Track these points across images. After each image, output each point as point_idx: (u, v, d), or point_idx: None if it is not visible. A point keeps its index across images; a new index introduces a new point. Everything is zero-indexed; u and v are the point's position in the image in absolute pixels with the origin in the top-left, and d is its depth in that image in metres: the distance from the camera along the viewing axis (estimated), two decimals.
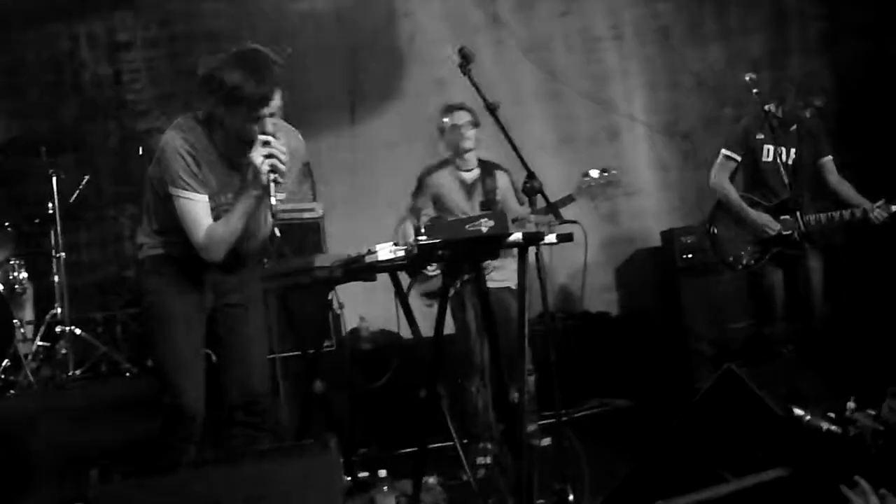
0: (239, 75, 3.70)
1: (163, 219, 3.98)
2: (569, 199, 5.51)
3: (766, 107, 6.09)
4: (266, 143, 3.76)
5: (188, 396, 3.88)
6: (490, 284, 5.85)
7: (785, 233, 6.03)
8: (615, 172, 5.51)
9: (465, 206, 6.03)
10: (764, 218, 6.09)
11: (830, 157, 6.27)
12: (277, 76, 3.79)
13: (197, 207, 3.84)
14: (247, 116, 3.76)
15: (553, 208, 4.47)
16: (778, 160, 6.08)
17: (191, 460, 3.81)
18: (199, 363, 3.98)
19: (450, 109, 6.12)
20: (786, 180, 6.03)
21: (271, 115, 3.81)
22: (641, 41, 8.76)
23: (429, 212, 6.12)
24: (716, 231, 6.24)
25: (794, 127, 6.17)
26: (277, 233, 3.93)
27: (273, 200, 3.76)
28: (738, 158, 6.22)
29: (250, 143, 3.78)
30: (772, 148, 6.11)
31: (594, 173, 5.47)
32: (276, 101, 3.81)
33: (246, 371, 4.06)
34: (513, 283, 5.82)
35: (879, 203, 5.93)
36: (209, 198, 3.89)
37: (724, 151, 6.27)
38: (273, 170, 3.74)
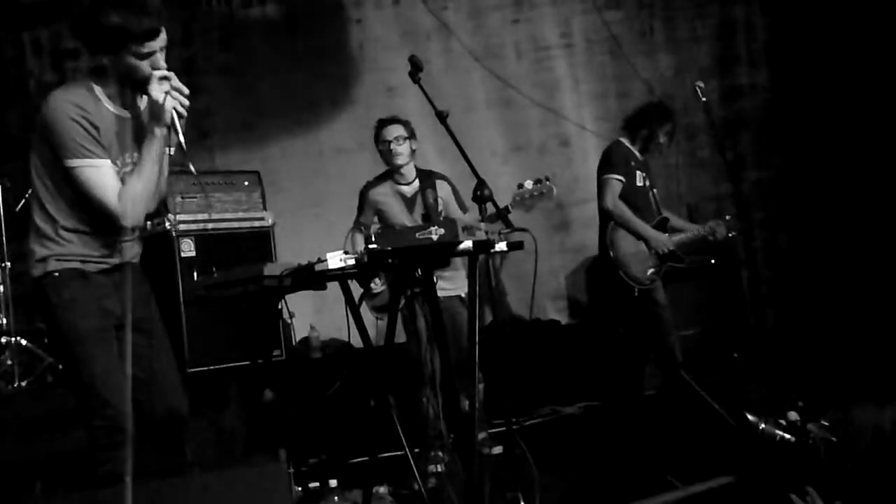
0: (117, 14, 3.46)
1: (69, 210, 3.70)
2: (505, 211, 5.54)
3: (626, 138, 6.55)
4: (164, 79, 3.56)
5: (120, 412, 3.62)
6: (439, 293, 5.86)
7: (671, 249, 6.38)
8: (548, 184, 5.51)
9: (405, 220, 5.98)
10: (662, 235, 6.41)
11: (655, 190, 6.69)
12: (159, 9, 3.55)
13: (102, 173, 3.60)
14: (135, 55, 3.54)
15: (503, 217, 4.48)
16: (646, 185, 6.51)
17: (131, 472, 3.69)
18: (121, 377, 3.66)
19: (382, 124, 6.07)
20: (652, 204, 6.52)
21: (162, 48, 3.59)
22: (591, 50, 8.83)
23: (374, 226, 6.10)
24: (616, 252, 6.38)
25: (645, 156, 6.56)
26: (192, 168, 3.62)
27: (181, 138, 3.57)
28: (623, 181, 6.44)
29: (143, 85, 3.58)
30: (639, 174, 6.49)
31: (528, 184, 5.46)
32: (163, 39, 3.58)
33: (159, 390, 3.85)
34: (463, 291, 5.82)
35: (715, 222, 6.50)
36: (111, 162, 3.66)
37: (610, 176, 6.47)
38: (176, 106, 3.56)
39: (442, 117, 5.00)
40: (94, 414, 3.67)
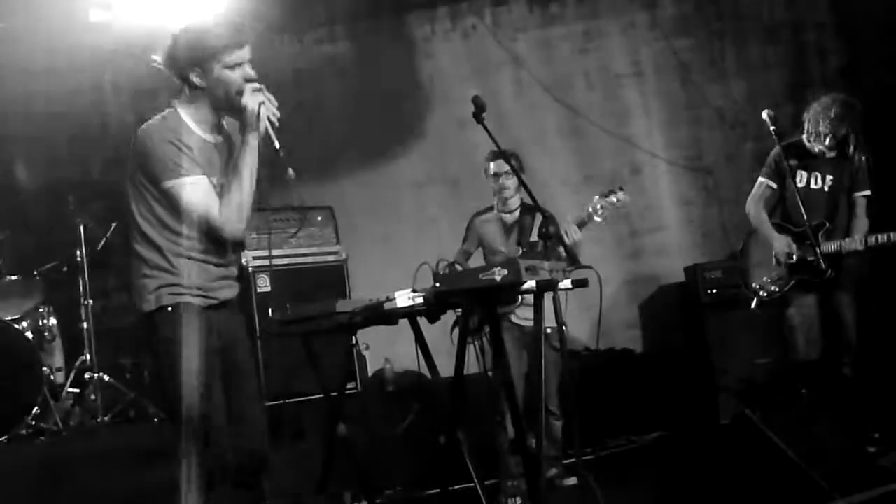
0: (210, 33, 3.64)
1: (174, 237, 3.68)
2: (583, 221, 5.80)
3: (804, 136, 6.03)
4: (257, 90, 3.63)
5: (224, 449, 3.69)
6: (523, 324, 5.90)
7: (809, 259, 5.82)
8: (620, 193, 5.76)
9: (501, 245, 6.18)
10: (783, 242, 5.96)
11: (864, 194, 6.05)
12: (241, 23, 3.71)
13: (201, 189, 3.62)
14: (227, 66, 3.64)
15: (570, 253, 4.51)
16: (810, 186, 6.01)
17: None
18: (221, 415, 3.73)
19: (492, 157, 6.19)
20: (815, 206, 5.92)
21: (248, 60, 3.68)
22: (662, 77, 8.80)
23: (471, 251, 6.33)
24: (746, 259, 6.21)
25: (834, 154, 6.00)
26: (292, 173, 3.63)
27: (277, 144, 3.62)
28: (773, 185, 6.13)
29: (238, 101, 3.63)
30: (805, 174, 6.03)
31: (596, 199, 5.78)
32: (248, 51, 3.68)
33: (247, 431, 3.84)
34: (550, 321, 5.80)
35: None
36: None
37: (759, 179, 6.21)
38: (270, 115, 3.62)
39: (506, 156, 5.07)
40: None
